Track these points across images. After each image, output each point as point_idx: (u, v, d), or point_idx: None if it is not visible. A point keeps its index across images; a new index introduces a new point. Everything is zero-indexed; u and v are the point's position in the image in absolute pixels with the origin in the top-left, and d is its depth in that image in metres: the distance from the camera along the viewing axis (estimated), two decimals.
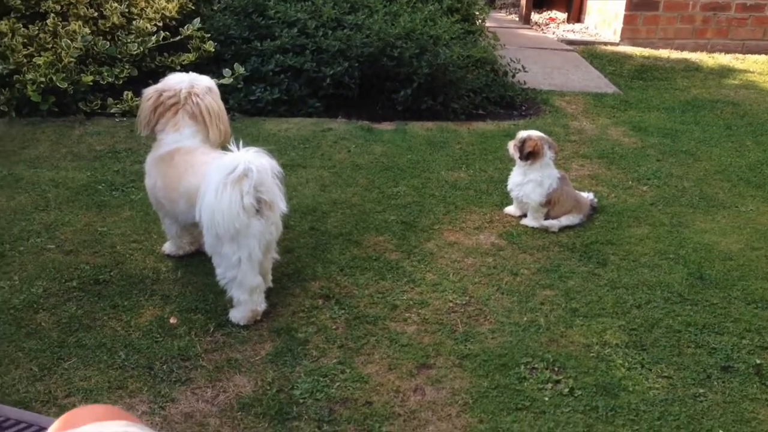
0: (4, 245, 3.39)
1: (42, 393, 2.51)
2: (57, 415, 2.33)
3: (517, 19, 9.45)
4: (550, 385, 2.69)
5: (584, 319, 3.10)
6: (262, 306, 3.01)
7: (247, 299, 2.94)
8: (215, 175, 2.75)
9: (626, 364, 2.83)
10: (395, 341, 2.91)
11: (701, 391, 2.71)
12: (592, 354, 2.88)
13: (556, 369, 2.78)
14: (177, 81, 3.19)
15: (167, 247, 3.43)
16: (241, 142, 2.85)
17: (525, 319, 3.09)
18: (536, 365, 2.80)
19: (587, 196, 4.08)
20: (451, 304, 3.18)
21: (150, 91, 3.21)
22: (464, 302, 3.20)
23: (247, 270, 2.89)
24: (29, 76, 4.88)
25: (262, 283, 3.00)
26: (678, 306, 3.22)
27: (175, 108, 3.16)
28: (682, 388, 2.72)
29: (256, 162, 2.78)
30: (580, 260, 3.58)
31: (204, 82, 3.23)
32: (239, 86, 5.31)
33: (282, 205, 2.94)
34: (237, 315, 2.97)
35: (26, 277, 3.17)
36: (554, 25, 9.08)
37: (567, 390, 2.66)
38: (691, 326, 3.08)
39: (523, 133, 3.93)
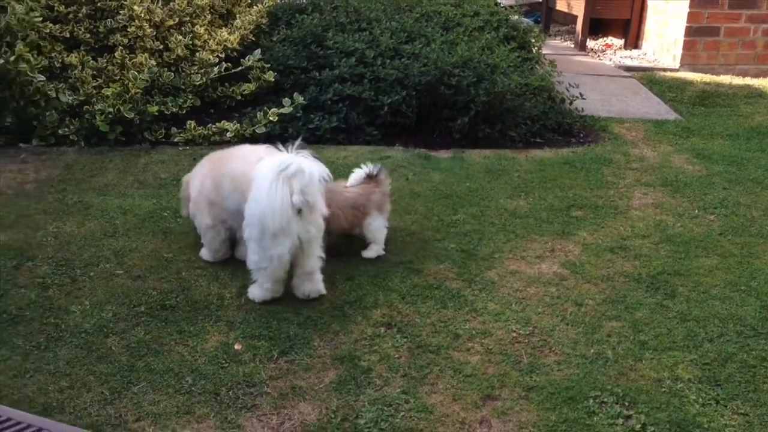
0: (75, 270, 3.48)
1: (113, 417, 2.54)
2: None
3: (573, 45, 9.39)
4: (621, 421, 2.62)
5: (654, 353, 3.02)
6: (280, 293, 3.29)
7: (269, 287, 3.23)
8: (269, 172, 2.96)
9: (700, 399, 2.74)
10: (459, 371, 2.88)
11: None
12: (663, 389, 2.80)
13: (626, 404, 2.71)
14: None
15: (204, 254, 3.64)
16: (292, 145, 3.05)
17: (592, 351, 3.03)
18: (605, 399, 2.73)
19: (363, 171, 3.83)
20: (514, 335, 3.14)
21: None
22: (528, 332, 3.15)
23: (277, 265, 3.15)
24: (98, 107, 5.03)
25: (285, 276, 3.23)
26: (752, 340, 3.12)
27: None
28: (759, 426, 2.62)
29: (306, 164, 3.00)
30: (647, 291, 3.50)
31: None
32: (298, 115, 5.39)
33: (322, 208, 3.17)
34: (256, 294, 3.26)
35: (96, 301, 3.24)
36: (611, 52, 9.00)
37: (639, 426, 2.59)
38: (766, 361, 2.97)
39: None
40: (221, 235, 3.56)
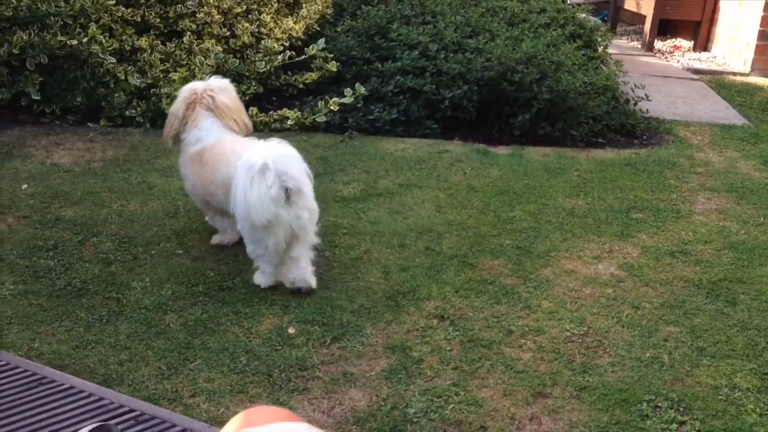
0: (137, 248, 3.57)
1: (169, 391, 2.61)
2: (183, 413, 2.42)
3: (640, 46, 9.20)
4: (675, 426, 2.57)
5: (712, 360, 2.96)
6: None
7: (271, 271, 3.28)
8: (240, 174, 3.04)
9: (758, 409, 2.67)
10: (510, 367, 2.87)
11: None
12: (720, 396, 2.74)
13: (681, 409, 2.66)
14: (194, 83, 3.61)
15: (216, 239, 3.67)
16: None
17: (647, 354, 2.98)
18: (660, 404, 2.68)
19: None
20: (568, 334, 3.11)
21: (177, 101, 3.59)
22: (582, 332, 3.12)
23: (273, 252, 3.20)
24: (165, 90, 5.15)
25: (286, 260, 3.24)
26: None
27: (193, 105, 3.48)
28: None
29: (274, 154, 3.02)
30: (707, 297, 3.42)
31: (218, 82, 3.59)
32: (358, 105, 5.41)
33: (307, 190, 3.15)
34: (260, 280, 3.31)
35: (156, 279, 3.32)
36: (679, 54, 8.79)
37: None
38: None
39: None
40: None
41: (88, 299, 3.14)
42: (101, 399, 2.06)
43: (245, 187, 3.02)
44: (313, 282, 3.28)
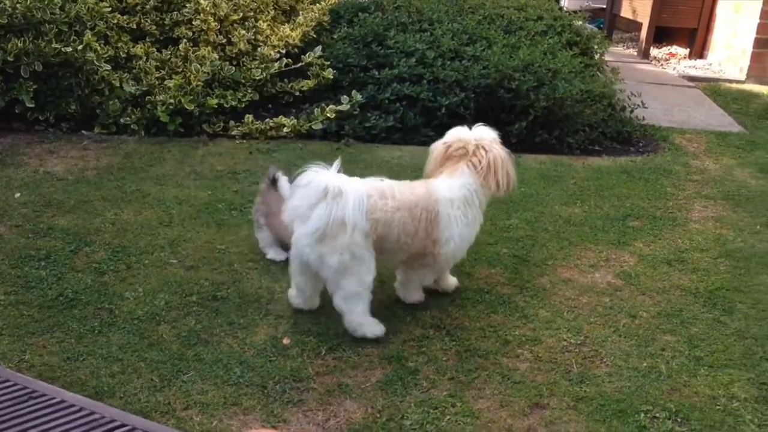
0: (130, 257, 3.54)
1: (162, 404, 2.58)
2: (176, 426, 2.40)
3: (636, 53, 9.22)
4: None
5: (709, 369, 2.94)
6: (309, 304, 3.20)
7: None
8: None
9: (756, 420, 2.65)
10: (507, 377, 2.84)
11: None
12: (718, 407, 2.72)
13: (679, 420, 2.64)
14: (464, 133, 3.26)
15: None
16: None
17: (645, 364, 2.96)
18: (657, 414, 2.66)
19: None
20: (565, 343, 3.09)
21: (438, 145, 3.32)
22: (579, 342, 3.10)
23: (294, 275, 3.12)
24: (160, 98, 5.13)
25: (309, 287, 3.12)
26: None
27: (459, 159, 3.22)
28: None
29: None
30: (704, 306, 3.40)
31: (490, 134, 3.30)
32: (355, 113, 5.40)
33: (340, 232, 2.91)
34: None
35: (150, 289, 3.29)
36: (675, 61, 8.80)
37: None
38: None
39: None
40: None
41: (80, 310, 3.11)
42: (92, 413, 2.02)
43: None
44: (358, 335, 3.06)
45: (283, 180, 3.59)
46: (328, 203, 2.83)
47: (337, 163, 2.93)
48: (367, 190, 2.95)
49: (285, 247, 3.54)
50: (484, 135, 3.26)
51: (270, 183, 3.61)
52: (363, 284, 2.97)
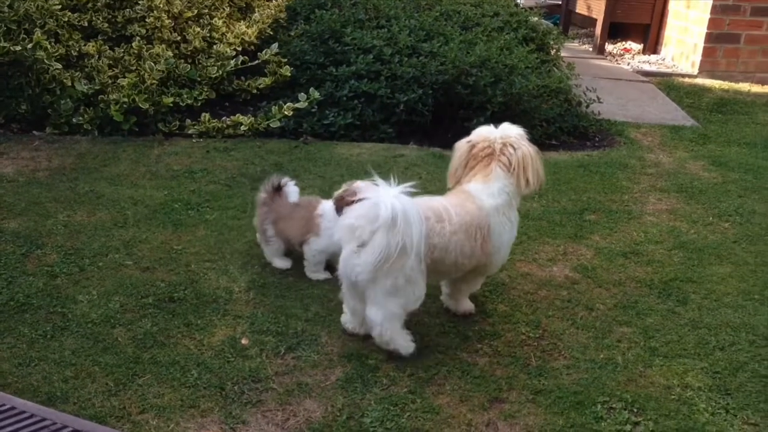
0: (84, 260, 3.47)
1: (117, 408, 2.53)
2: (131, 431, 2.35)
3: (591, 49, 9.33)
4: (629, 427, 2.58)
5: (664, 360, 2.98)
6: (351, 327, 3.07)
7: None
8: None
9: (710, 408, 2.70)
10: (467, 372, 2.85)
11: None
12: (673, 396, 2.76)
13: (635, 410, 2.68)
14: (489, 131, 3.16)
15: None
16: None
17: (601, 356, 2.99)
18: (614, 405, 2.70)
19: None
20: (523, 337, 3.11)
21: (462, 144, 3.20)
22: (537, 335, 3.12)
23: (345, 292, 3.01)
24: (113, 97, 5.03)
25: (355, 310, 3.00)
26: (764, 350, 3.07)
27: (488, 159, 3.11)
28: None
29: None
30: (658, 297, 3.46)
31: (515, 131, 3.18)
32: (313, 110, 5.37)
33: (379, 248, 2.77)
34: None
35: (104, 292, 3.23)
36: (629, 56, 8.93)
37: None
38: None
39: None
40: None
41: (32, 314, 3.04)
42: (43, 420, 1.98)
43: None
44: (393, 349, 2.94)
45: (290, 185, 3.54)
46: (394, 231, 2.66)
47: (395, 181, 2.79)
48: (424, 212, 2.82)
49: (291, 253, 3.54)
50: (510, 132, 3.14)
51: (274, 190, 3.54)
52: (408, 307, 2.87)
